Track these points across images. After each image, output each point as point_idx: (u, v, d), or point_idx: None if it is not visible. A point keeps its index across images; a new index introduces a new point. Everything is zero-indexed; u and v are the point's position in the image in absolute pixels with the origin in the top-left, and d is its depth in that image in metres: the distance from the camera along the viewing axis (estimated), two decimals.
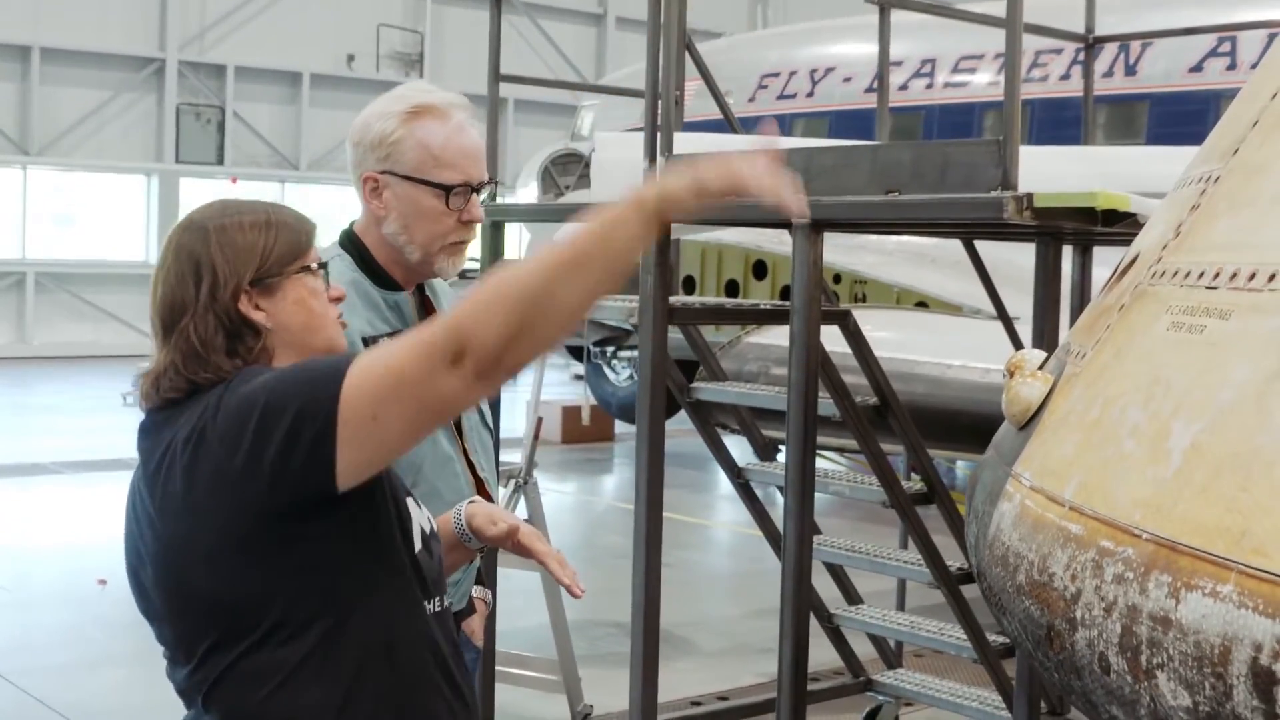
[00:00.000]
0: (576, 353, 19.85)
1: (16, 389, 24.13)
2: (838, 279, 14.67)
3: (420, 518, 2.85)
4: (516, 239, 23.00)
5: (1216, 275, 2.49)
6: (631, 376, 18.21)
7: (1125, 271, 3.05)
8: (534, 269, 2.47)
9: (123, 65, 31.64)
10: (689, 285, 16.55)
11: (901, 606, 8.43)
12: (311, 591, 2.62)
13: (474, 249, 4.22)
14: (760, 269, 16.09)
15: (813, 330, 5.23)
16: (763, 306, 6.93)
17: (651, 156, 5.69)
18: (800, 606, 5.45)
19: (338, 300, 2.95)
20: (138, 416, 2.84)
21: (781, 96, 19.03)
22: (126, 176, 31.33)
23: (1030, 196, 4.56)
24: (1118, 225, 4.79)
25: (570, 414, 19.57)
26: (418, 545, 2.79)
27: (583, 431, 19.39)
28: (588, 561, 12.47)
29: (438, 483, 3.61)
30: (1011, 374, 3.12)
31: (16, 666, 8.62)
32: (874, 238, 13.43)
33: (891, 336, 10.89)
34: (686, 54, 7.15)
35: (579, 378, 21.34)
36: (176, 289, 2.78)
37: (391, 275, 3.70)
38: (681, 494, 15.12)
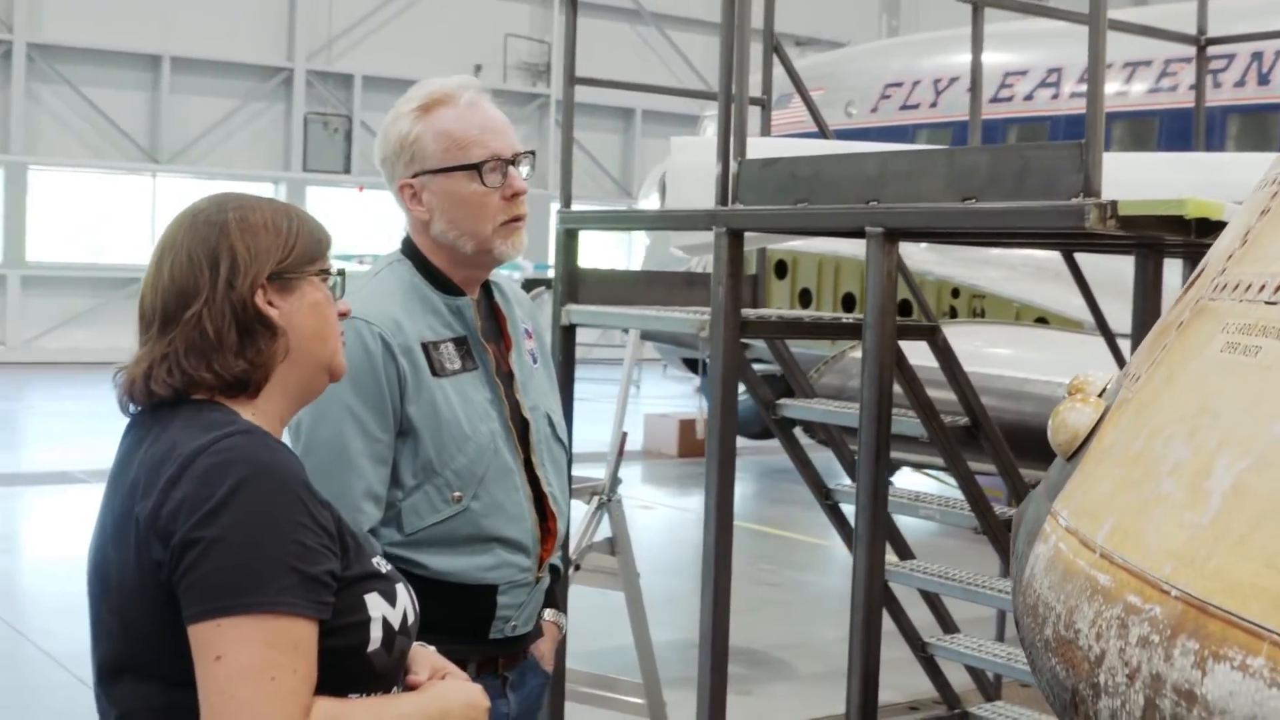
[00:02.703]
0: (694, 365, 19.59)
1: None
2: (956, 293, 14.32)
3: (389, 608, 2.56)
4: (629, 247, 22.73)
5: (1278, 289, 2.17)
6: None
7: (1192, 285, 2.72)
8: None
9: (251, 75, 31.94)
10: (805, 298, 16.24)
11: (1001, 636, 8.07)
12: None
13: (544, 254, 4.02)
14: None
15: (886, 345, 4.90)
16: (844, 320, 6.60)
17: (725, 160, 5.41)
18: (870, 637, 5.13)
19: (344, 315, 2.76)
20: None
21: (904, 107, 18.68)
22: (254, 185, 31.50)
23: (1114, 204, 4.22)
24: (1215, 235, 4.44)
25: (686, 427, 19.33)
26: (373, 644, 2.50)
27: (699, 445, 19.13)
28: (692, 579, 12.20)
29: (499, 496, 3.49)
30: (1071, 396, 2.81)
31: None
32: (996, 251, 13.08)
33: (1005, 353, 10.56)
34: (775, 58, 6.88)
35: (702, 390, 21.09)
36: (188, 274, 2.57)
37: (451, 279, 3.58)
38: (797, 511, 14.80)
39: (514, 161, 3.56)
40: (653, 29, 34.88)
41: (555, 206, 6.80)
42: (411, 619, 2.62)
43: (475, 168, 3.50)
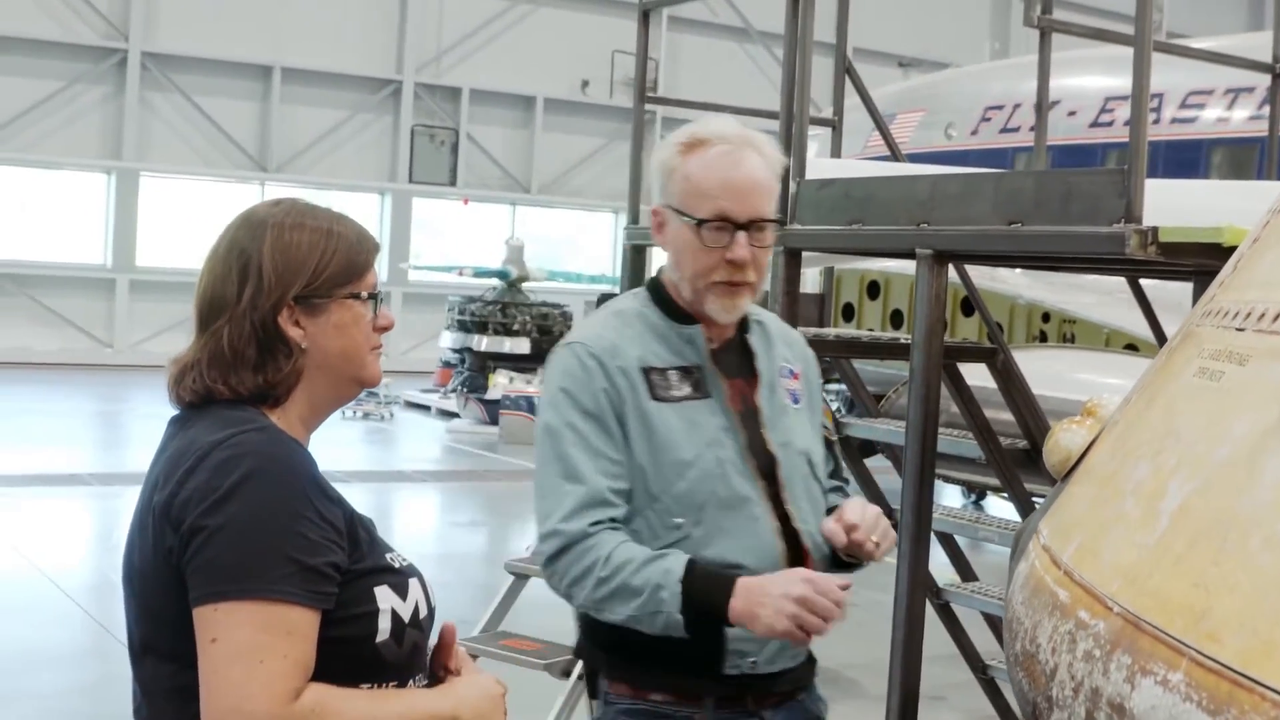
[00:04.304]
0: None
1: None
2: (1047, 318, 14.25)
3: (399, 601, 2.63)
4: None
5: (1247, 315, 2.20)
6: (839, 409, 17.75)
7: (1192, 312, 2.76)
8: None
9: (360, 86, 32.31)
10: (897, 319, 16.21)
11: None
12: None
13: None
14: (968, 305, 15.70)
15: (933, 366, 4.93)
16: (901, 340, 6.62)
17: (784, 180, 5.47)
18: (911, 655, 5.17)
19: (384, 329, 2.80)
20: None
21: (1004, 130, 18.62)
22: (360, 195, 31.87)
23: (1155, 230, 4.24)
24: None
25: None
26: (382, 635, 2.58)
27: None
28: None
29: (727, 524, 3.35)
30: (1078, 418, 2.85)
31: None
32: (1090, 277, 13.02)
33: (1087, 378, 10.51)
34: (848, 78, 6.92)
35: None
36: (220, 285, 2.68)
37: (690, 312, 3.45)
38: None
39: (747, 226, 3.35)
40: (760, 48, 34.87)
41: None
42: (424, 613, 2.69)
43: (699, 223, 3.35)
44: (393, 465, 19.20)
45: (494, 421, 22.40)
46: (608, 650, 3.42)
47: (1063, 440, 2.67)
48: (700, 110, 8.43)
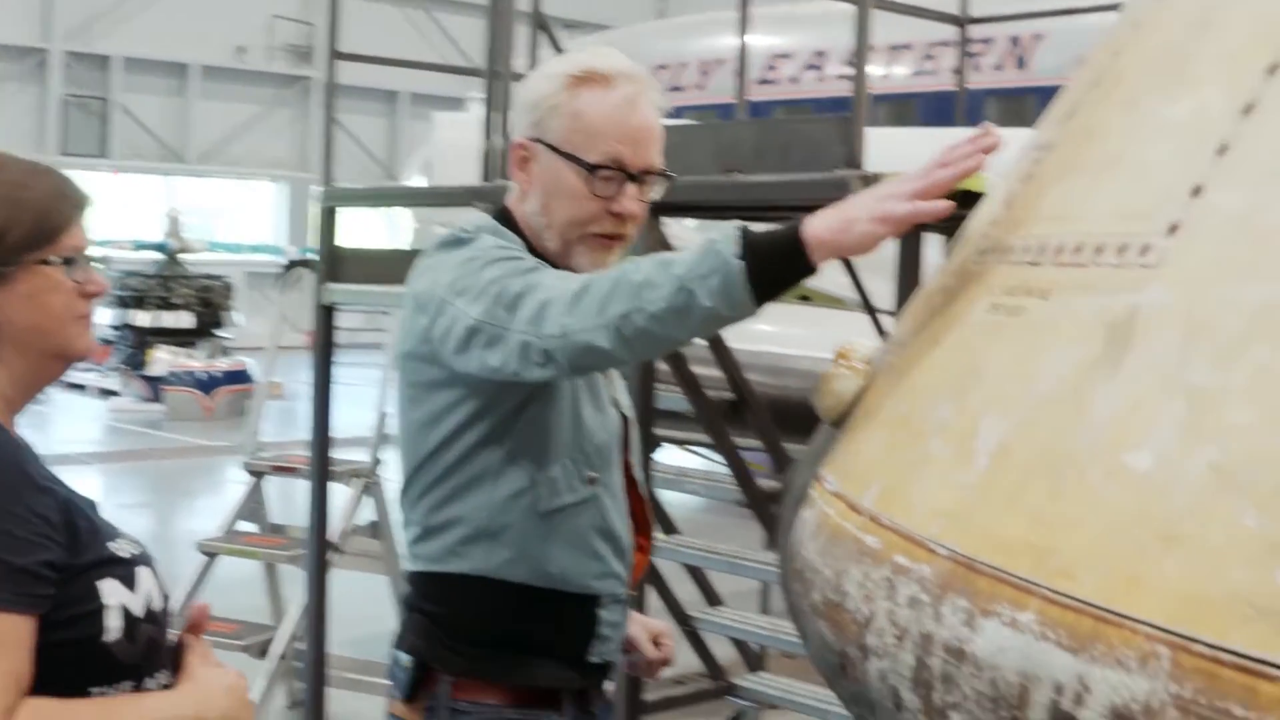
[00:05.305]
0: None
1: None
2: None
3: (128, 594, 2.39)
4: (394, 233, 22.51)
5: (1041, 249, 2.17)
6: None
7: (954, 253, 2.74)
8: None
9: (4, 55, 31.03)
10: None
11: (765, 609, 8.14)
12: None
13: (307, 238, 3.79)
14: None
15: None
16: None
17: (488, 137, 5.36)
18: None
19: (93, 296, 2.49)
20: None
21: (672, 89, 18.78)
22: None
23: (877, 177, 4.25)
24: None
25: None
26: (111, 634, 2.34)
27: None
28: None
29: (615, 489, 3.12)
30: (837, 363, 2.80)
31: None
32: None
33: (768, 329, 10.63)
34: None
35: None
36: None
37: (550, 259, 3.02)
38: None
39: (639, 178, 3.03)
40: (420, 12, 34.59)
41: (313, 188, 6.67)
42: (158, 605, 2.46)
43: (590, 169, 2.99)
44: (51, 449, 18.40)
45: (157, 398, 21.93)
46: (460, 640, 3.05)
47: (835, 385, 2.61)
48: (395, 74, 8.24)
